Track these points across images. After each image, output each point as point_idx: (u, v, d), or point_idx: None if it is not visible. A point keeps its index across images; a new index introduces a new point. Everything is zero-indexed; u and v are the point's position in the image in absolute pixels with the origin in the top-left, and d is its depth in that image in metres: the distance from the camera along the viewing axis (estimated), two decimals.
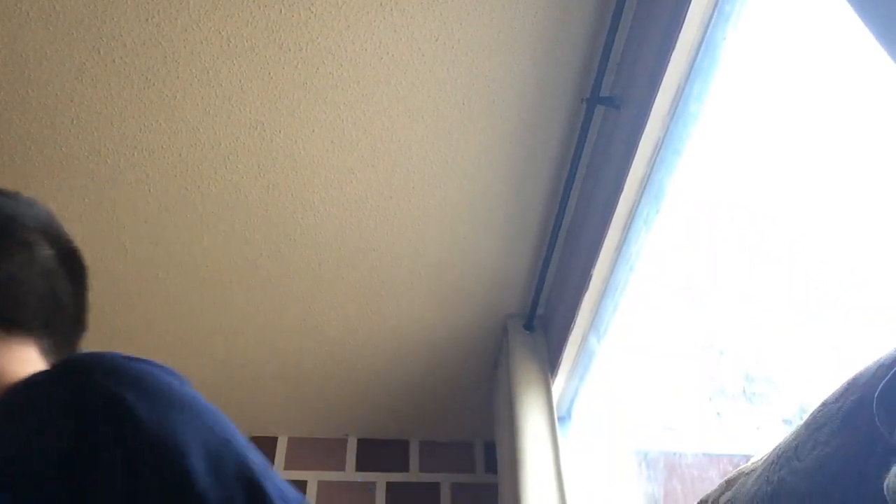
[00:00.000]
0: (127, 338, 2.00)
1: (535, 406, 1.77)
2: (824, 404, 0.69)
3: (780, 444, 0.75)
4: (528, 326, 1.97)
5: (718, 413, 1.60)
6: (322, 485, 2.45)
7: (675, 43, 1.13)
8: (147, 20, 1.31)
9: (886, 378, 0.60)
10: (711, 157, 1.30)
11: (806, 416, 0.73)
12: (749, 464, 0.85)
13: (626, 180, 1.34)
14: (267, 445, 2.52)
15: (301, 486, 2.44)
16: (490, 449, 2.61)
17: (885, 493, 0.56)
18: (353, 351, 2.10)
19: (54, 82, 1.40)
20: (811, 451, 0.67)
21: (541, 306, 1.96)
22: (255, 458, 0.67)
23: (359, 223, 1.70)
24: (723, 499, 0.87)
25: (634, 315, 1.62)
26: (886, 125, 1.02)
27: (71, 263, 0.79)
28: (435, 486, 2.48)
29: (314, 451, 2.52)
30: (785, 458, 0.72)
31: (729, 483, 0.88)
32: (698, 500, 0.96)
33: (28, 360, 0.73)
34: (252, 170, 1.57)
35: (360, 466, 2.50)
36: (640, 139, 1.27)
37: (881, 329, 1.14)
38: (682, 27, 1.11)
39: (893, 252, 1.10)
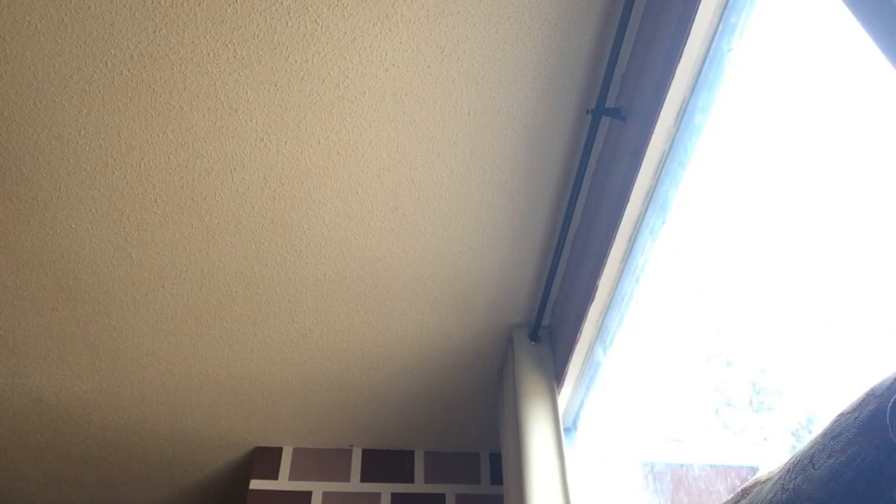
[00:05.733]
0: (132, 347, 2.01)
1: (541, 417, 1.77)
2: (841, 414, 0.69)
3: (797, 453, 0.75)
4: (534, 337, 1.96)
5: (725, 424, 1.60)
6: (327, 496, 2.44)
7: (681, 54, 1.13)
8: (154, 32, 1.32)
9: None
10: (717, 168, 1.31)
11: (814, 427, 0.74)
12: (765, 473, 0.85)
13: (631, 191, 1.34)
14: (272, 456, 2.51)
15: (306, 497, 2.43)
16: (496, 460, 2.60)
17: None
18: (358, 361, 2.10)
19: (62, 94, 1.41)
20: (827, 460, 0.67)
21: (546, 317, 1.96)
22: None
23: (364, 234, 1.70)
24: None
25: (640, 326, 1.61)
26: (891, 133, 1.02)
27: None
28: (440, 498, 2.48)
29: (319, 461, 2.52)
30: (801, 465, 0.72)
31: (745, 491, 0.88)
32: None
33: None
34: (258, 181, 1.58)
35: (365, 477, 2.50)
36: (645, 151, 1.27)
37: (886, 335, 1.14)
38: (687, 38, 1.11)
39: None
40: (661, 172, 1.31)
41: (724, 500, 0.96)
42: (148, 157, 1.53)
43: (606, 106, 1.40)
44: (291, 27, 1.32)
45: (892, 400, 0.62)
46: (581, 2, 1.29)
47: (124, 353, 2.03)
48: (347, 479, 2.49)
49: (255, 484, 2.44)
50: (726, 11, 1.09)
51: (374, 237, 1.71)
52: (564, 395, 1.88)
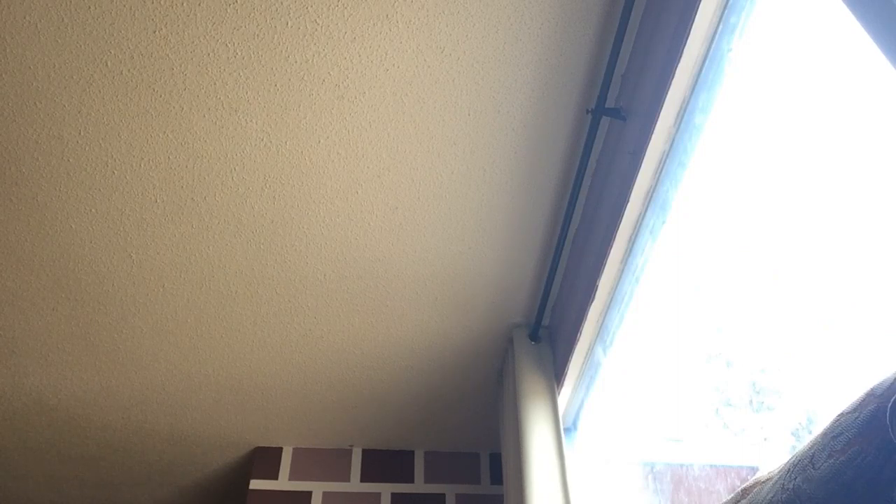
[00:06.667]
0: (132, 347, 2.01)
1: (541, 417, 1.77)
2: (841, 414, 0.69)
3: (797, 453, 0.75)
4: (534, 337, 1.96)
5: (725, 424, 1.59)
6: (327, 496, 2.44)
7: (681, 54, 1.13)
8: (154, 32, 1.32)
9: None
10: (717, 168, 1.31)
11: (814, 427, 0.74)
12: (765, 473, 0.85)
13: (631, 191, 1.34)
14: (272, 456, 2.51)
15: (306, 497, 2.43)
16: (496, 460, 2.60)
17: None
18: (357, 361, 2.10)
19: (62, 94, 1.41)
20: (827, 460, 0.67)
21: (546, 317, 1.95)
22: None
23: (364, 234, 1.70)
24: None
25: (640, 326, 1.61)
26: (891, 133, 1.02)
27: None
28: (440, 498, 2.48)
29: (319, 461, 2.52)
30: (801, 465, 0.72)
31: (745, 491, 0.88)
32: None
33: None
34: (258, 181, 1.58)
35: (365, 477, 2.50)
36: (645, 151, 1.27)
37: (886, 335, 1.14)
38: (687, 38, 1.11)
39: None
40: (661, 172, 1.31)
41: (724, 500, 0.96)
42: (148, 157, 1.53)
43: (606, 106, 1.40)
44: (291, 27, 1.32)
45: (892, 400, 0.62)
46: (581, 2, 1.29)
47: (124, 353, 2.03)
48: (347, 479, 2.49)
49: (255, 484, 2.44)
50: (726, 11, 1.09)
51: (374, 237, 1.71)
52: (564, 395, 1.88)
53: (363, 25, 1.32)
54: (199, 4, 1.28)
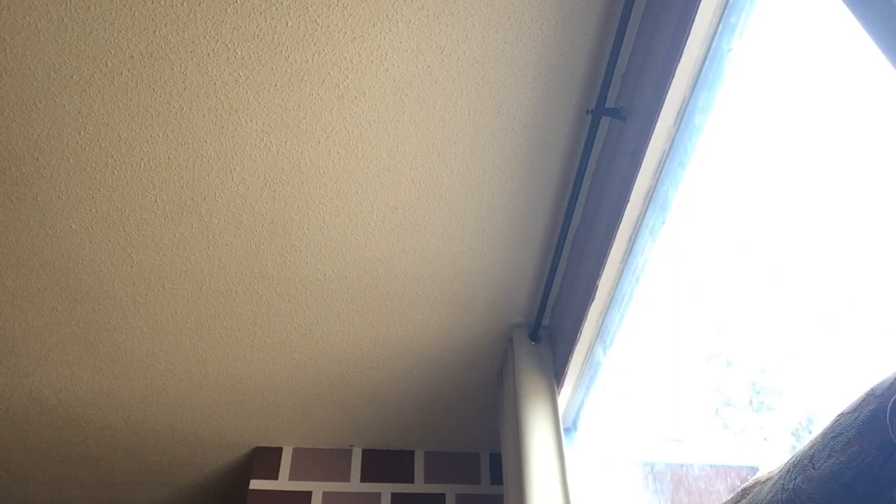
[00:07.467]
0: (132, 347, 2.01)
1: (541, 417, 1.77)
2: (841, 414, 0.69)
3: (797, 453, 0.75)
4: (534, 337, 1.96)
5: (725, 424, 1.60)
6: (327, 496, 2.44)
7: (681, 54, 1.13)
8: (154, 32, 1.32)
9: None
10: (717, 168, 1.31)
11: (814, 427, 0.74)
12: (765, 473, 0.85)
13: (631, 191, 1.34)
14: (272, 456, 2.51)
15: (306, 497, 2.43)
16: (496, 460, 2.60)
17: None
18: (357, 361, 2.10)
19: (62, 94, 1.41)
20: (826, 460, 0.67)
21: (546, 317, 1.95)
22: None
23: (364, 234, 1.70)
24: None
25: (640, 326, 1.61)
26: (891, 133, 1.02)
27: None
28: (440, 498, 2.48)
29: (319, 461, 2.52)
30: (801, 465, 0.72)
31: (745, 491, 0.88)
32: None
33: None
34: (258, 181, 1.58)
35: (365, 477, 2.50)
36: (645, 151, 1.27)
37: (886, 335, 1.14)
38: (687, 38, 1.11)
39: None
40: (661, 172, 1.31)
41: (724, 500, 0.96)
42: (148, 157, 1.53)
43: (606, 106, 1.40)
44: (291, 27, 1.32)
45: (892, 400, 0.62)
46: (581, 2, 1.29)
47: (124, 353, 2.03)
48: (347, 479, 2.49)
49: (255, 484, 2.44)
50: (726, 11, 1.09)
51: (374, 237, 1.71)
52: (564, 395, 1.88)
53: (363, 25, 1.32)
54: (199, 4, 1.28)
